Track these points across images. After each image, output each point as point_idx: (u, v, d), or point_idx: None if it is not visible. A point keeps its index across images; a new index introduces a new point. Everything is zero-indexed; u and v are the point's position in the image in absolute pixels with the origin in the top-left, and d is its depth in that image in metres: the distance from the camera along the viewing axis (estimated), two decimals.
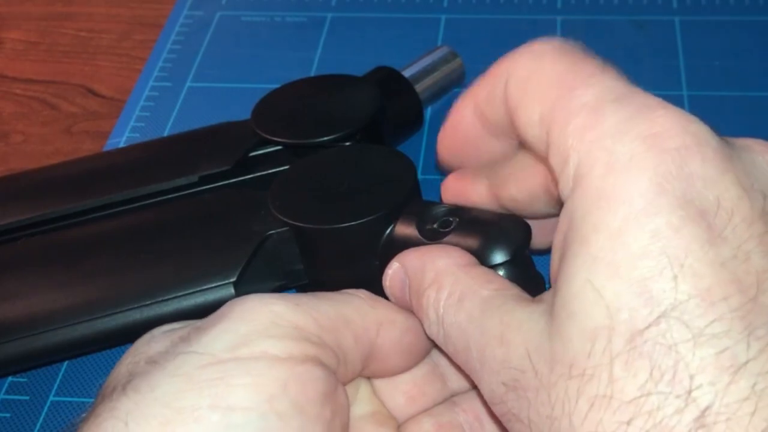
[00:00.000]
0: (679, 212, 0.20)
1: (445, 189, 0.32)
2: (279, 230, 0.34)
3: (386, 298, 0.29)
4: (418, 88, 0.44)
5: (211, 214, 0.37)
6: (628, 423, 0.19)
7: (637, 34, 0.50)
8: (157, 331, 0.26)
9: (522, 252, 0.29)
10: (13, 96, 0.51)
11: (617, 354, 0.20)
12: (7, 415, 0.36)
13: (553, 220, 0.31)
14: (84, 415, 0.24)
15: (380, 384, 0.29)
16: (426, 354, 0.29)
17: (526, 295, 0.24)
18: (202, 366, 0.23)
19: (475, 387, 0.26)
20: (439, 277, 0.27)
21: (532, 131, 0.24)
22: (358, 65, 0.44)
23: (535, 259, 0.30)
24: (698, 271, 0.20)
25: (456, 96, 0.47)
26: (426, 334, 0.27)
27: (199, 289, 0.34)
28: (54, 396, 0.36)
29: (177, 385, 0.23)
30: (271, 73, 0.50)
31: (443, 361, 0.30)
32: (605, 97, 0.22)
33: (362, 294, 0.28)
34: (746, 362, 0.19)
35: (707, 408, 0.19)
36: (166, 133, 0.47)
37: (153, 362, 0.24)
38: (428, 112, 0.47)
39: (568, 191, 0.22)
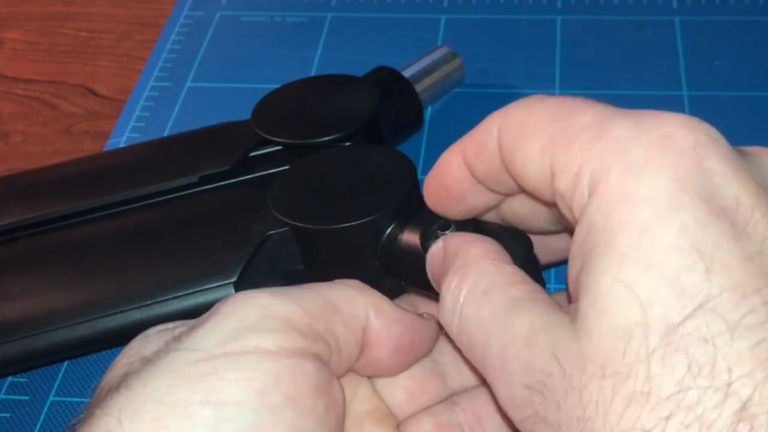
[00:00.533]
0: (704, 208, 0.20)
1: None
2: (279, 230, 0.34)
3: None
4: (418, 88, 0.44)
5: (211, 215, 0.37)
6: (668, 418, 0.19)
7: (637, 34, 0.50)
8: (152, 331, 0.26)
9: (524, 265, 0.29)
10: (13, 96, 0.51)
11: (653, 350, 0.20)
12: (7, 415, 0.36)
13: (554, 238, 0.31)
14: (81, 416, 0.24)
15: (381, 381, 0.30)
16: (423, 354, 0.29)
17: (555, 302, 0.24)
18: (194, 362, 0.23)
19: (484, 382, 0.26)
20: (466, 265, 0.26)
21: (532, 167, 0.24)
22: (358, 65, 0.44)
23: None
24: (729, 265, 0.20)
25: (456, 96, 0.48)
26: (437, 322, 0.27)
27: (199, 289, 0.34)
28: (54, 396, 0.36)
29: (168, 381, 0.23)
30: (271, 73, 0.50)
31: (444, 360, 0.31)
32: (604, 114, 0.23)
33: (351, 282, 0.28)
34: None
35: (748, 400, 0.19)
36: (166, 133, 0.47)
37: (146, 361, 0.24)
38: (428, 112, 0.47)
39: (583, 202, 0.22)
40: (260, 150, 0.39)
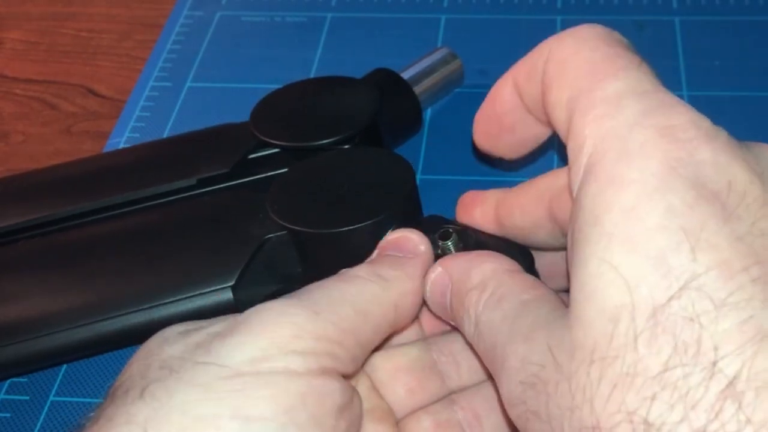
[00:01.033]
0: (692, 192, 0.20)
1: (460, 203, 0.33)
2: (277, 234, 0.34)
3: None
4: (417, 90, 0.44)
5: (209, 218, 0.37)
6: (653, 398, 0.19)
7: (638, 34, 0.50)
8: (170, 333, 0.26)
9: None
10: (13, 96, 0.51)
11: (640, 332, 0.20)
12: (7, 415, 0.36)
13: (558, 258, 0.31)
14: (92, 414, 0.24)
15: (381, 377, 0.30)
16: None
17: (563, 304, 0.24)
18: (222, 378, 0.23)
19: (496, 389, 0.26)
20: (485, 280, 0.27)
21: (558, 113, 0.24)
22: (358, 65, 0.44)
23: None
24: (715, 245, 0.20)
25: (456, 97, 0.48)
26: (464, 336, 0.27)
27: (197, 293, 0.34)
28: (54, 396, 0.37)
29: (196, 395, 0.23)
30: (271, 73, 0.50)
31: (443, 359, 0.31)
32: (629, 91, 0.23)
33: (369, 275, 0.28)
34: None
35: (734, 378, 0.19)
36: (166, 134, 0.47)
37: (168, 369, 0.24)
38: (428, 113, 0.47)
39: (578, 181, 0.22)
40: (259, 152, 0.40)
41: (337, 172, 0.35)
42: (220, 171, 0.38)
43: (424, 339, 0.32)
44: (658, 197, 0.20)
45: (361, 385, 0.29)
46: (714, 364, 0.19)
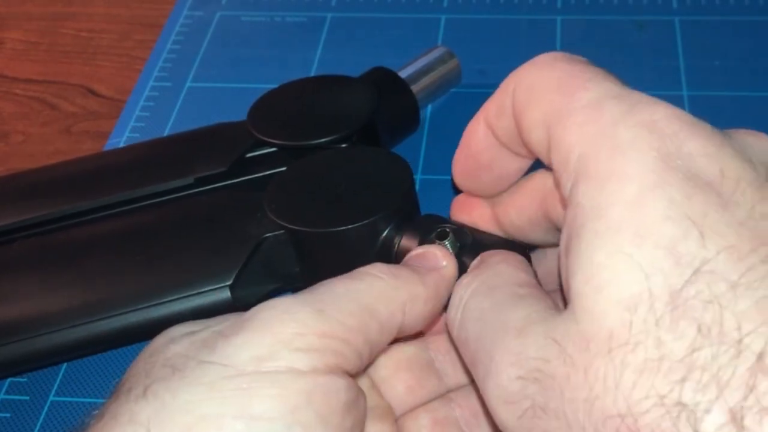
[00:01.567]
0: (688, 183, 0.21)
1: (454, 204, 0.33)
2: (275, 233, 0.34)
3: None
4: (415, 88, 0.44)
5: (207, 217, 0.37)
6: (682, 381, 0.19)
7: (637, 34, 0.50)
8: (176, 332, 0.26)
9: None
10: (13, 96, 0.52)
11: (660, 317, 0.20)
12: (7, 415, 0.36)
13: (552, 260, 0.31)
14: (96, 412, 0.24)
15: (381, 374, 0.30)
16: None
17: (559, 306, 0.24)
18: (226, 377, 0.23)
19: (473, 383, 0.26)
20: (483, 267, 0.27)
21: (535, 133, 0.25)
22: (358, 65, 0.44)
23: None
24: (720, 231, 0.20)
25: (456, 97, 0.48)
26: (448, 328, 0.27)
27: (195, 292, 0.34)
28: (54, 396, 0.37)
29: (200, 394, 0.23)
30: (271, 73, 0.50)
31: (440, 358, 0.31)
32: (604, 96, 0.23)
33: (381, 273, 0.27)
34: None
35: (762, 353, 0.19)
36: (166, 134, 0.47)
37: (172, 367, 0.24)
38: (428, 112, 0.46)
39: (569, 186, 0.23)
40: (256, 151, 0.39)
41: (335, 171, 0.35)
42: (218, 170, 0.38)
43: (421, 338, 0.32)
44: (659, 191, 0.21)
45: (362, 383, 0.29)
46: (739, 342, 0.19)
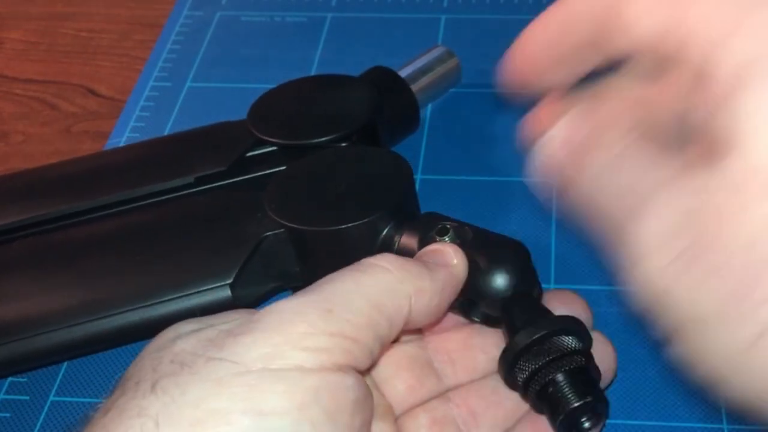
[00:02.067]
0: None
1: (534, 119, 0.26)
2: (275, 231, 0.34)
3: None
4: (415, 88, 0.44)
5: (207, 216, 0.37)
6: None
7: None
8: (182, 329, 0.26)
9: (522, 279, 0.29)
10: (13, 96, 0.52)
11: None
12: (7, 415, 0.36)
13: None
14: (99, 405, 0.24)
15: (382, 373, 0.30)
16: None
17: None
18: (235, 373, 0.23)
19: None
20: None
21: (645, 22, 0.21)
22: (358, 65, 0.44)
23: None
24: None
25: (456, 96, 0.47)
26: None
27: (195, 290, 0.34)
28: (54, 396, 0.37)
29: (208, 390, 0.23)
30: (271, 73, 0.50)
31: (438, 357, 0.31)
32: None
33: (388, 264, 0.27)
34: None
35: None
36: (166, 133, 0.47)
37: (180, 363, 0.24)
38: (428, 112, 0.47)
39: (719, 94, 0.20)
40: (256, 150, 0.39)
41: (335, 171, 0.35)
42: (218, 169, 0.38)
43: (420, 338, 0.32)
44: None
45: None
46: None
